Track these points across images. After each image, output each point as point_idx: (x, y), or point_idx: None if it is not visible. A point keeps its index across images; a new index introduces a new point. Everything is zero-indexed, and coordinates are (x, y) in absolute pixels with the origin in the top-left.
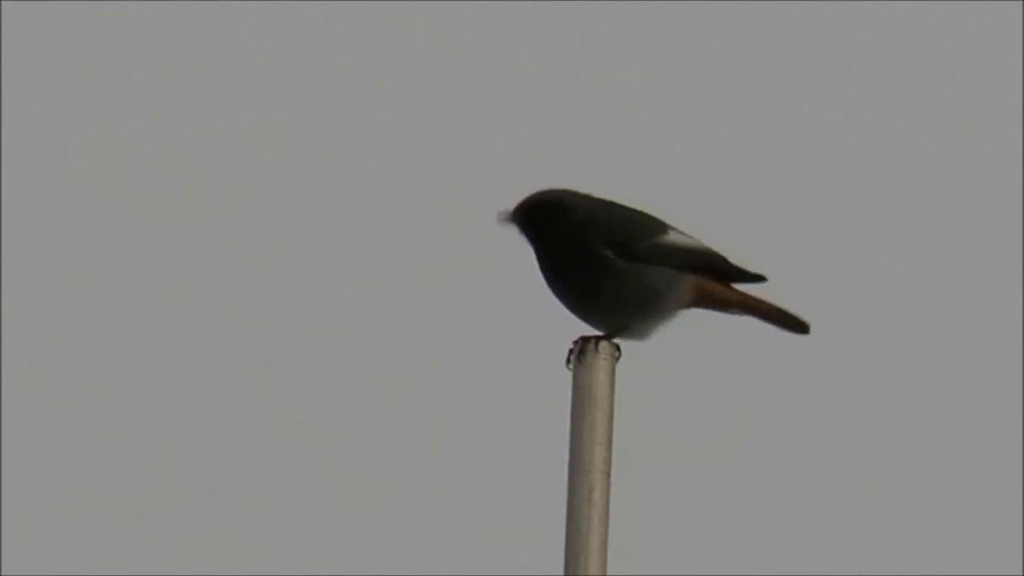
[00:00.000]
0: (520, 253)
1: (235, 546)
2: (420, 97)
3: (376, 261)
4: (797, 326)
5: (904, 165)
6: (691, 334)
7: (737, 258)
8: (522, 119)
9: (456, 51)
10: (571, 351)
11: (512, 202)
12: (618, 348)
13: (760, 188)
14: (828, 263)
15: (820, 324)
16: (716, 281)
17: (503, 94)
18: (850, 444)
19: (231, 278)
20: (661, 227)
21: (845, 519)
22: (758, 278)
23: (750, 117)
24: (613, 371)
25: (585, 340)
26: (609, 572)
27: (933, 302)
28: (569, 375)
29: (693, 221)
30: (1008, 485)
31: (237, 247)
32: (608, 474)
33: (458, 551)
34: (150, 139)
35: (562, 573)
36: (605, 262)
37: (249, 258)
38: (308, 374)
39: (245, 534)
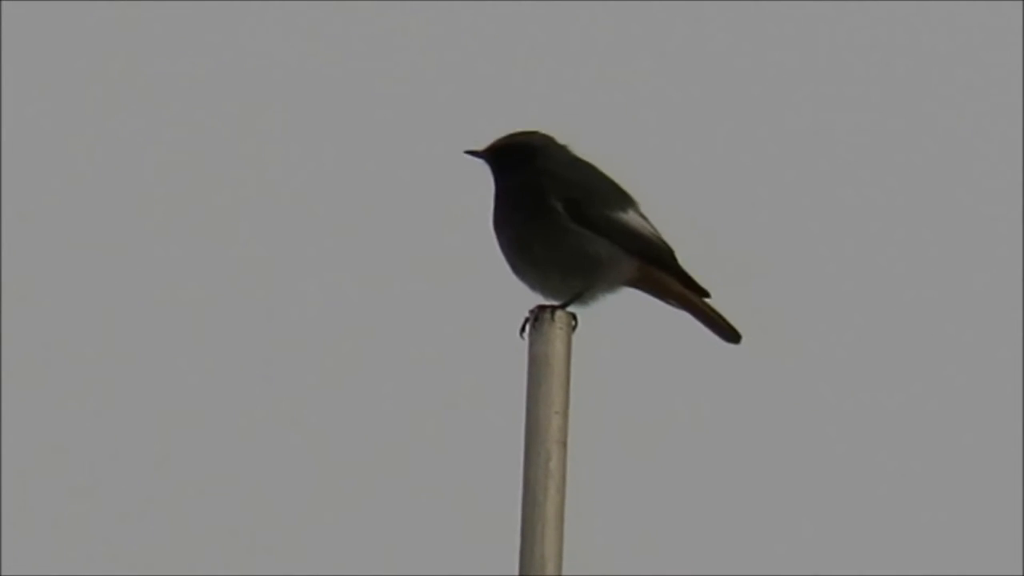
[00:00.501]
0: (474, 224)
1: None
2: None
3: (330, 233)
4: (730, 333)
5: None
6: (646, 305)
7: (689, 268)
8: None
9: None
10: (527, 320)
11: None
12: (574, 318)
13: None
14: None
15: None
16: (661, 270)
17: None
18: (799, 418)
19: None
20: (623, 203)
21: (791, 488)
22: (702, 291)
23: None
24: (569, 341)
25: (541, 309)
26: (565, 541)
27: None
28: (525, 344)
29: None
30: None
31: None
32: (564, 443)
33: (414, 520)
34: (146, 139)
35: (518, 542)
36: (551, 214)
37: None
38: (263, 348)
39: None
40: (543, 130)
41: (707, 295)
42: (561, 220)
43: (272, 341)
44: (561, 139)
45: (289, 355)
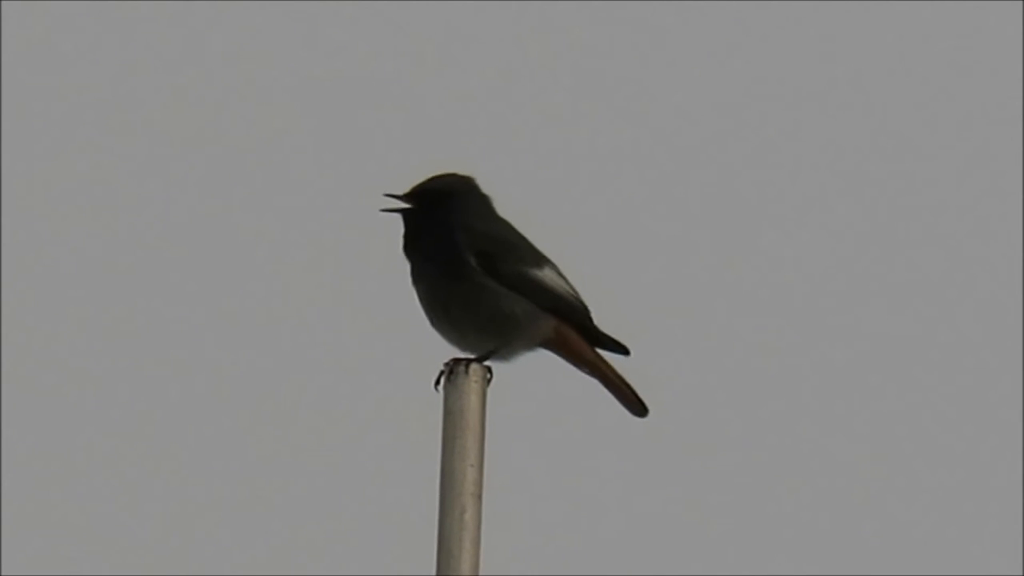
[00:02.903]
0: (392, 273)
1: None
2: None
3: (247, 276)
4: (638, 406)
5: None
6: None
7: (608, 326)
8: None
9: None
10: (441, 373)
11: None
12: (489, 371)
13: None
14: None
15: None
16: (577, 332)
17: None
18: (708, 477)
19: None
20: (538, 260)
21: (704, 541)
22: (622, 349)
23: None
24: (484, 394)
25: (456, 362)
26: None
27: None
28: (440, 397)
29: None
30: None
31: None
32: (479, 496)
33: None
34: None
35: None
36: (465, 268)
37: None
38: (175, 404)
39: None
40: (466, 172)
41: (627, 352)
42: (475, 276)
43: (183, 389)
44: (484, 186)
45: (202, 403)
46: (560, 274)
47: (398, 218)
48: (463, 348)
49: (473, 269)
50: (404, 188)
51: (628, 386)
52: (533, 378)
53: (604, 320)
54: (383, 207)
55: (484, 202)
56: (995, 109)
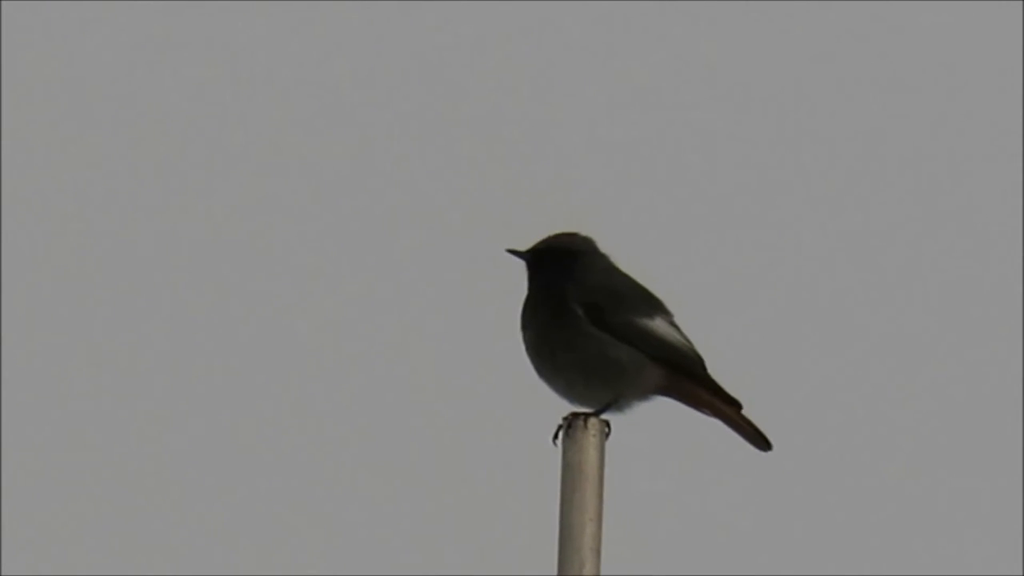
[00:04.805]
0: (513, 329)
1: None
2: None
3: (370, 330)
4: (761, 441)
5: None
6: (678, 413)
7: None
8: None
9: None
10: (560, 427)
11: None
12: (607, 425)
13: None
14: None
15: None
16: (690, 380)
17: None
18: (829, 527)
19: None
20: (650, 310)
21: None
22: (733, 402)
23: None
24: (603, 448)
25: (574, 416)
26: None
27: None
28: (558, 452)
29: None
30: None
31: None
32: (598, 551)
33: None
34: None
35: None
36: (570, 318)
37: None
38: (304, 458)
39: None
40: (586, 232)
41: (739, 406)
42: (580, 324)
43: (306, 428)
44: (603, 245)
45: (325, 455)
46: (673, 323)
47: (520, 278)
48: (571, 399)
49: (579, 319)
50: (527, 243)
51: (749, 423)
52: (651, 430)
53: (721, 374)
54: (507, 248)
55: (602, 259)
56: (995, 109)
